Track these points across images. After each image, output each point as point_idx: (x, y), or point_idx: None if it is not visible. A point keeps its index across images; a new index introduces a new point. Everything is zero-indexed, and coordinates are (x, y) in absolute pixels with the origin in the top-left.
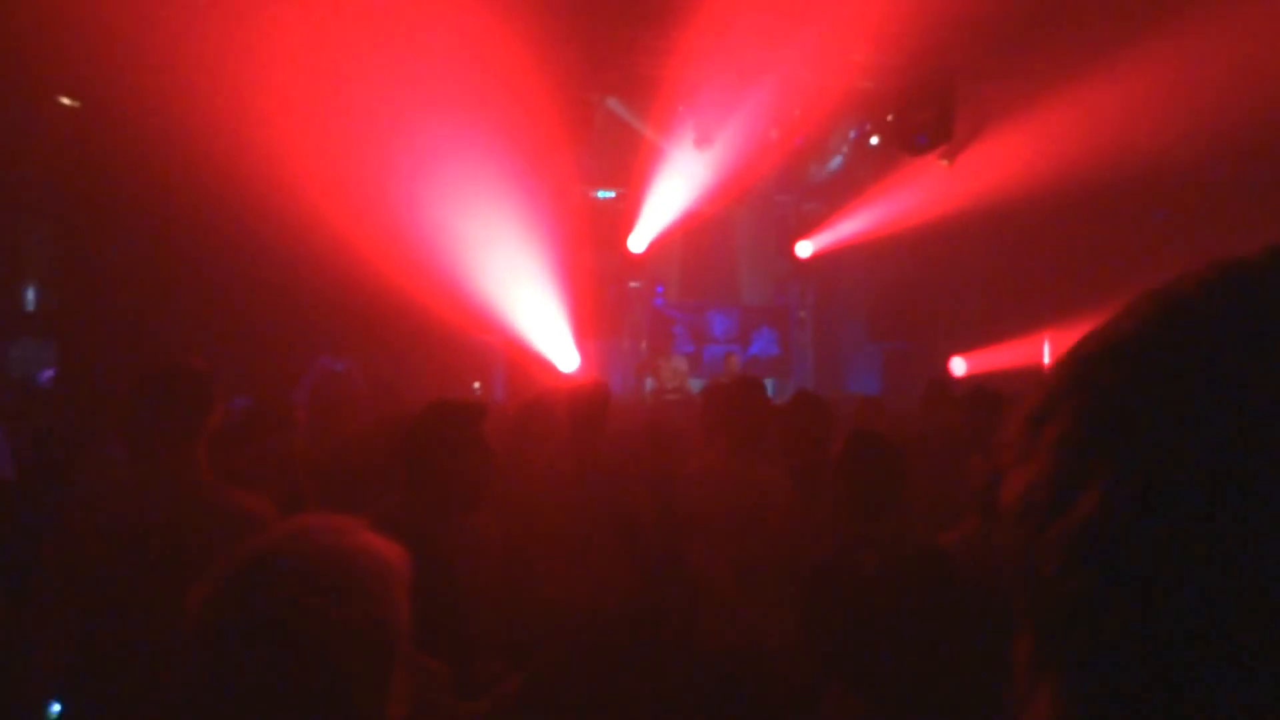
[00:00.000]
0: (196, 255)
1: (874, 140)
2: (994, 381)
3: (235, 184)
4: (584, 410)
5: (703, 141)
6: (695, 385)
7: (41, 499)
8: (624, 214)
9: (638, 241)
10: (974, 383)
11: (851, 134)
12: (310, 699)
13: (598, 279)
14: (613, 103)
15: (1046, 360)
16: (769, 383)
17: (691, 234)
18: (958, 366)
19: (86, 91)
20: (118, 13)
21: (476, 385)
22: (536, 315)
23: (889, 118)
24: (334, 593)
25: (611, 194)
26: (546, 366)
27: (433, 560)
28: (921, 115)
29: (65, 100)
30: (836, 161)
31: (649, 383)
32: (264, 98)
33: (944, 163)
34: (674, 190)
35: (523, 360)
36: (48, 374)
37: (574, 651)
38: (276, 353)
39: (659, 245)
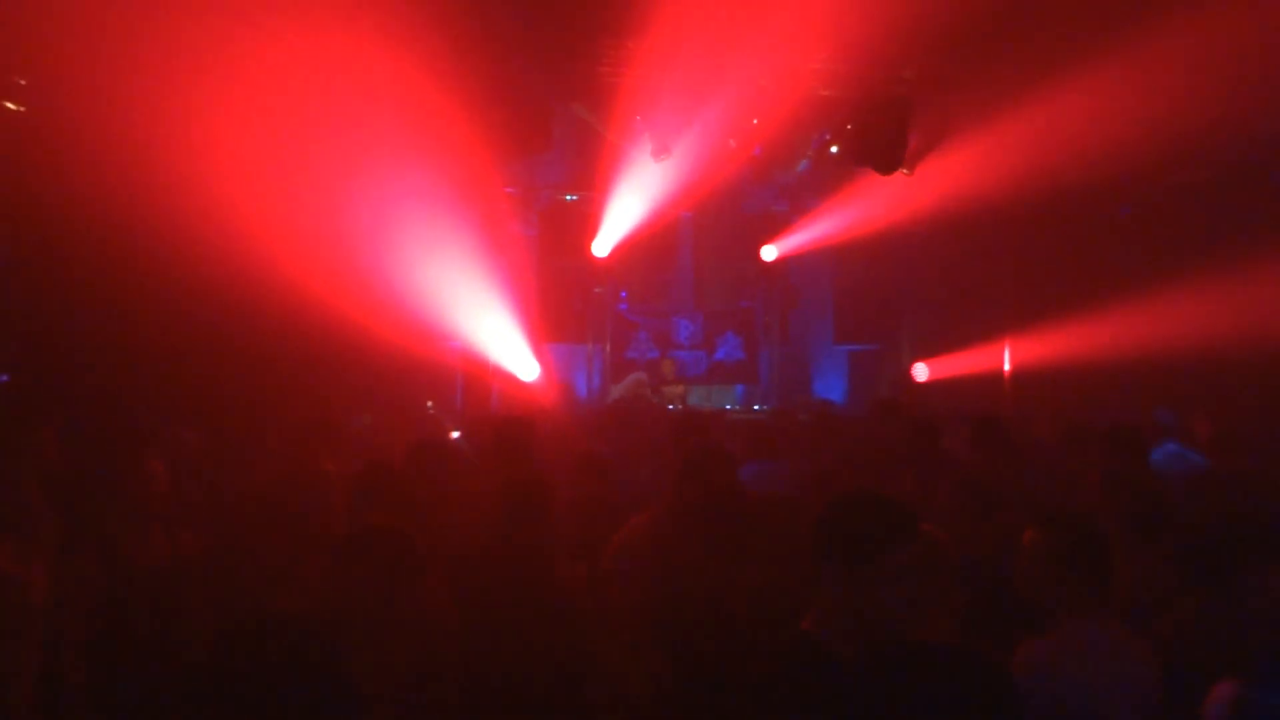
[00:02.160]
0: (126, 263)
1: (834, 149)
2: (955, 387)
3: (177, 197)
4: (510, 442)
5: (660, 152)
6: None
7: None
8: (588, 218)
9: (602, 246)
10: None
11: (817, 138)
12: None
13: (560, 284)
14: (578, 108)
15: (1007, 366)
16: (736, 389)
17: (656, 238)
18: (920, 372)
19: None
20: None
21: (430, 404)
22: (495, 325)
23: (848, 127)
24: None
25: (575, 197)
26: (506, 377)
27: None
28: (876, 133)
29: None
30: (803, 165)
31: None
32: (214, 114)
33: (904, 171)
34: (638, 195)
35: (481, 373)
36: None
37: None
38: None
39: (623, 249)
